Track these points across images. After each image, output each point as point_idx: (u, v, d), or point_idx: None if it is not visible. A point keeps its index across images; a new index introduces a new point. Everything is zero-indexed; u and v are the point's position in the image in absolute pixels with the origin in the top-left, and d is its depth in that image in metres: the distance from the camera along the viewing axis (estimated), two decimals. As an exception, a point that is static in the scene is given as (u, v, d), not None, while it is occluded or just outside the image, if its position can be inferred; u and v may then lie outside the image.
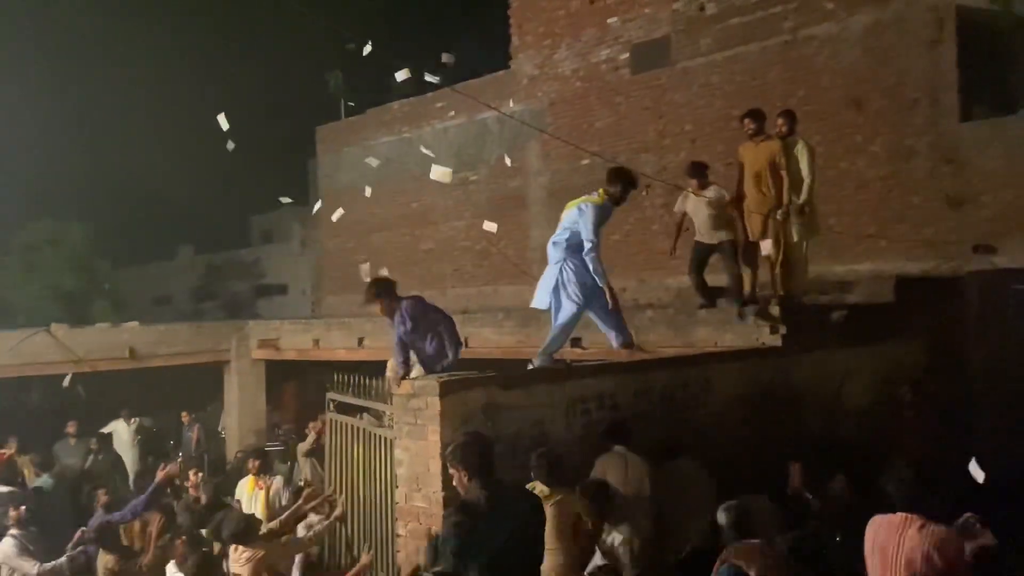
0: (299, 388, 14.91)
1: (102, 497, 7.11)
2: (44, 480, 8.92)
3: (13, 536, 6.53)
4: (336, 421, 7.27)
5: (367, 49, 6.92)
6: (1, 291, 21.10)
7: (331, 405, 7.33)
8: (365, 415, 6.92)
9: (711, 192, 8.00)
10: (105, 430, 12.28)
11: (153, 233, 30.65)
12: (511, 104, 13.73)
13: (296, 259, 24.77)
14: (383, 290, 6.38)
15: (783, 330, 7.25)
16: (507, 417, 5.43)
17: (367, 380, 6.78)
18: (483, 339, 9.85)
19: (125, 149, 30.81)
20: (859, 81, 10.30)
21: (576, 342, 7.56)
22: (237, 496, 7.74)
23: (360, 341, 12.18)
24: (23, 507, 6.90)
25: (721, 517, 4.50)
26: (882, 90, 10.12)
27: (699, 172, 8.10)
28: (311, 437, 9.35)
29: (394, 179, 16.70)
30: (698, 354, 7.32)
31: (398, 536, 5.52)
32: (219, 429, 14.60)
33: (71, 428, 11.65)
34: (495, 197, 14.68)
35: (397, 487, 5.54)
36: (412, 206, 16.42)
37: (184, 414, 13.21)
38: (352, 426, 6.95)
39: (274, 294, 26.22)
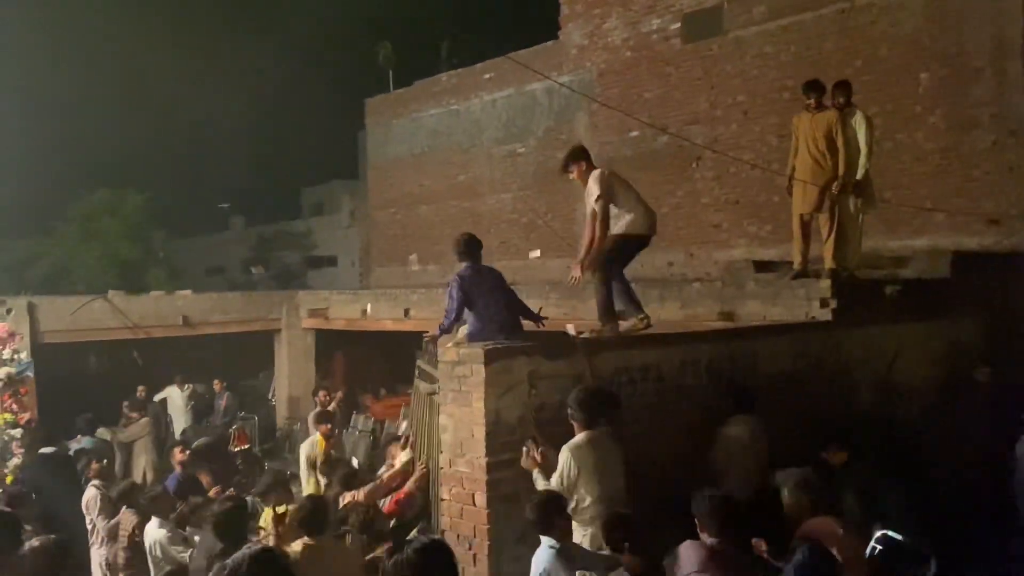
0: (347, 357, 15.14)
1: (95, 467, 7.30)
2: (87, 442, 9.16)
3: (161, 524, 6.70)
4: (416, 387, 7.38)
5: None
6: (61, 259, 21.73)
7: (417, 371, 7.43)
8: (422, 382, 7.00)
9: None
10: (160, 396, 12.63)
11: (207, 204, 31.22)
12: (559, 75, 13.62)
13: (345, 231, 25.04)
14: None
15: (834, 304, 7.12)
16: (551, 386, 5.44)
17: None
18: (529, 310, 9.84)
19: (181, 121, 31.35)
20: (919, 50, 9.99)
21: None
22: (306, 455, 7.90)
23: (406, 312, 12.31)
24: (104, 461, 7.25)
25: (788, 485, 4.46)
26: (943, 59, 9.80)
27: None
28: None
29: (442, 151, 16.76)
30: (746, 327, 7.22)
31: (442, 500, 5.57)
32: (269, 396, 14.92)
33: (140, 392, 12.01)
34: (542, 169, 14.62)
35: (442, 452, 5.60)
36: (459, 178, 16.46)
37: (216, 382, 13.42)
38: (425, 391, 7.04)
39: (324, 265, 26.57)
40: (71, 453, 8.59)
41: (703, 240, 11.88)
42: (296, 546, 4.82)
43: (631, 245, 6.27)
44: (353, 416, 12.43)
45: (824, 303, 7.17)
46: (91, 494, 6.82)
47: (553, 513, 4.31)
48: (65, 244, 21.97)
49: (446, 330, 6.29)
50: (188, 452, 7.75)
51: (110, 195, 22.54)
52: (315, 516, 4.94)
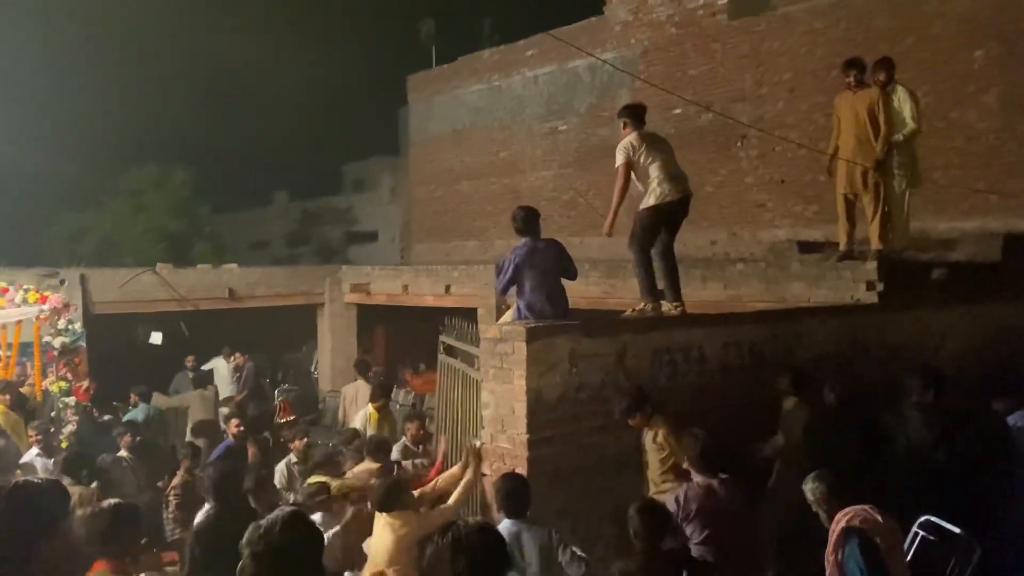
0: (388, 332, 15.32)
1: (126, 440, 7.51)
2: (139, 411, 9.42)
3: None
4: (443, 362, 7.48)
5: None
6: (110, 232, 22.23)
7: (441, 347, 7.53)
8: (460, 358, 7.09)
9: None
10: (207, 367, 12.92)
11: (251, 180, 31.63)
12: (603, 51, 13.51)
13: (386, 207, 25.19)
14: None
15: (880, 287, 7.03)
16: (592, 365, 5.47)
17: (468, 325, 6.91)
18: (569, 289, 9.85)
19: (226, 97, 31.72)
20: (975, 28, 9.72)
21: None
22: (359, 426, 8.05)
23: (447, 288, 12.41)
24: (136, 436, 7.48)
25: (815, 488, 4.46)
26: (999, 37, 9.53)
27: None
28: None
29: (483, 128, 16.76)
30: (790, 309, 7.17)
31: (483, 476, 5.65)
32: (312, 369, 15.18)
33: (190, 363, 12.30)
34: (584, 146, 14.55)
35: (483, 428, 5.67)
36: (500, 155, 16.45)
37: (238, 355, 13.34)
38: (454, 367, 7.13)
39: (365, 241, 26.77)
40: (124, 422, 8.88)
41: (747, 220, 11.75)
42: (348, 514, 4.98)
43: (659, 217, 6.25)
44: (394, 390, 12.58)
45: (870, 285, 7.09)
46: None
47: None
48: (114, 218, 22.46)
49: (498, 294, 6.29)
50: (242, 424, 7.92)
51: (157, 170, 22.95)
52: (391, 493, 5.05)
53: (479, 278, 11.80)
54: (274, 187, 32.06)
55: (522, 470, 5.29)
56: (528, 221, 6.12)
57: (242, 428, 7.80)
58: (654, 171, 6.17)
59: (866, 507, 4.22)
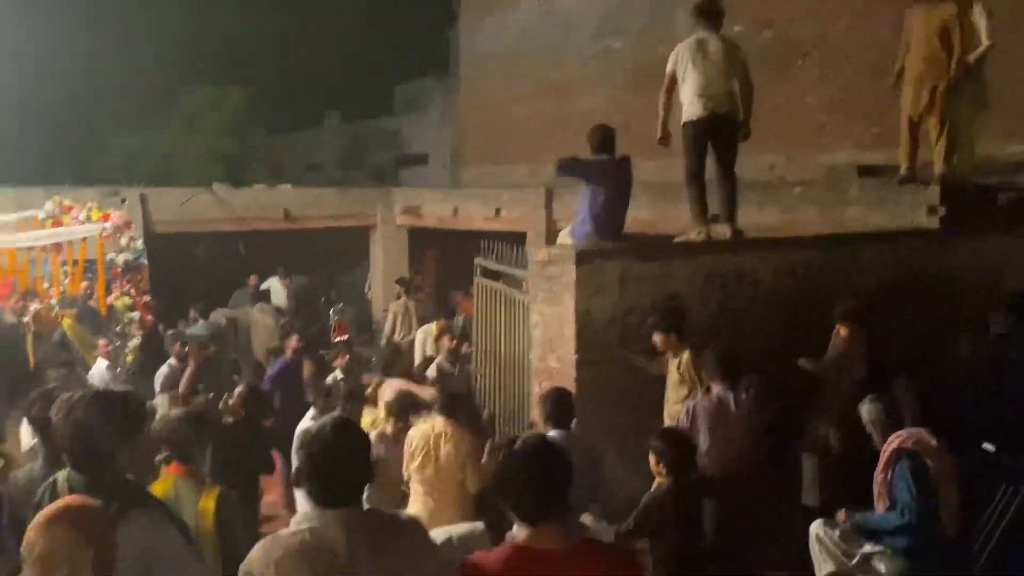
0: (439, 255, 15.44)
1: (176, 348, 7.80)
2: (199, 327, 9.73)
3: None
4: (481, 285, 7.56)
5: None
6: (167, 153, 22.58)
7: (478, 270, 7.60)
8: (503, 280, 7.15)
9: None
10: (263, 287, 13.23)
11: (304, 101, 31.55)
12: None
13: (437, 129, 25.04)
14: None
15: (942, 212, 6.82)
16: (642, 289, 5.48)
17: (510, 247, 6.94)
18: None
19: (278, 17, 31.45)
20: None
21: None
22: (419, 340, 8.34)
23: (497, 211, 12.41)
24: (184, 345, 7.79)
25: (872, 408, 4.45)
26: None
27: None
28: None
29: (534, 48, 16.41)
30: (847, 234, 7.01)
31: (532, 393, 5.77)
32: (365, 290, 15.44)
33: (253, 281, 12.63)
34: (638, 68, 14.18)
35: (532, 348, 5.76)
36: (551, 76, 16.13)
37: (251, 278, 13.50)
38: (495, 290, 7.20)
39: (415, 164, 26.75)
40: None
41: (806, 142, 11.40)
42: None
43: (691, 135, 6.14)
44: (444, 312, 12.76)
45: (932, 210, 6.88)
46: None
47: None
48: (170, 138, 22.77)
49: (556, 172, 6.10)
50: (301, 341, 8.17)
51: (213, 91, 23.08)
52: (452, 401, 5.22)
53: (529, 201, 11.77)
54: (326, 108, 32.01)
55: (571, 389, 5.38)
56: (607, 138, 6.00)
57: (300, 345, 8.03)
58: (686, 87, 6.07)
59: (921, 430, 4.21)
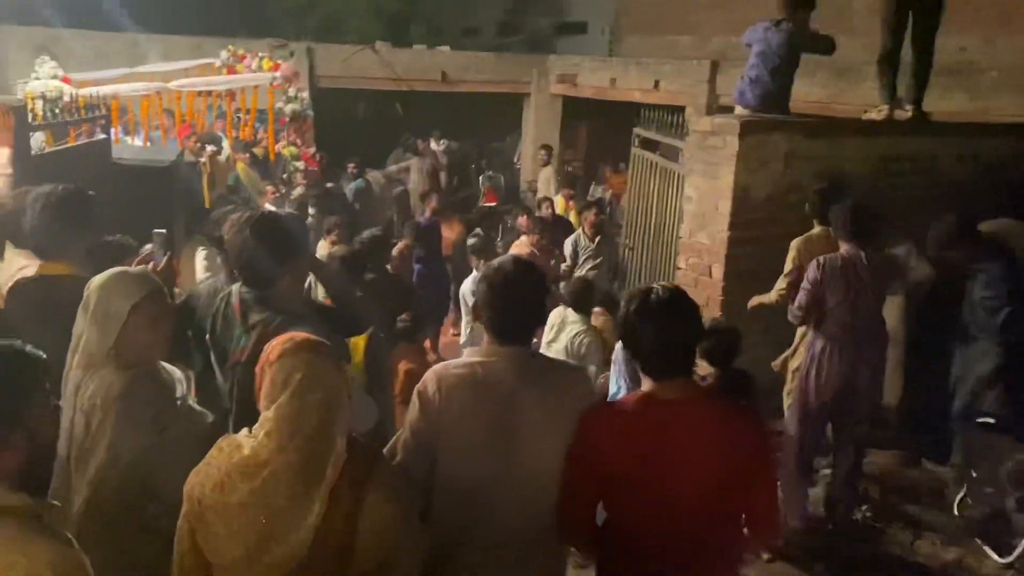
0: (591, 129, 15.15)
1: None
2: (358, 183, 10.05)
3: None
4: (638, 155, 7.41)
5: None
6: (332, 9, 22.90)
7: (636, 140, 7.44)
8: (659, 152, 6.97)
9: None
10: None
11: (465, -38, 30.94)
12: None
13: (599, -5, 24.08)
14: None
15: None
16: (807, 167, 5.19)
17: (669, 116, 6.70)
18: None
19: None
20: None
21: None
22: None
23: (656, 83, 11.94)
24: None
25: None
26: None
27: None
28: None
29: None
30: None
31: (677, 269, 5.69)
32: (515, 159, 15.45)
33: (422, 145, 12.79)
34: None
35: (682, 222, 5.63)
36: (728, -59, 15.02)
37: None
38: (650, 161, 7.04)
39: (574, 32, 25.98)
40: (345, 191, 9.64)
41: (1005, 23, 10.21)
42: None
43: (896, 1, 5.56)
44: (592, 187, 12.64)
45: None
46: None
47: None
48: (335, -6, 23.04)
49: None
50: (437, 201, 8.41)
51: (378, -54, 22.99)
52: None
53: (691, 74, 11.23)
54: (488, -29, 31.31)
55: (718, 267, 5.27)
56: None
57: (436, 208, 8.24)
58: None
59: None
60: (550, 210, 9.01)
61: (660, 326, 2.24)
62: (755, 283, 5.05)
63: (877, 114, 5.69)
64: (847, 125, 5.65)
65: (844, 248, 4.29)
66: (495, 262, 2.45)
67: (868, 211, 4.25)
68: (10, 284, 2.94)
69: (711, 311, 5.17)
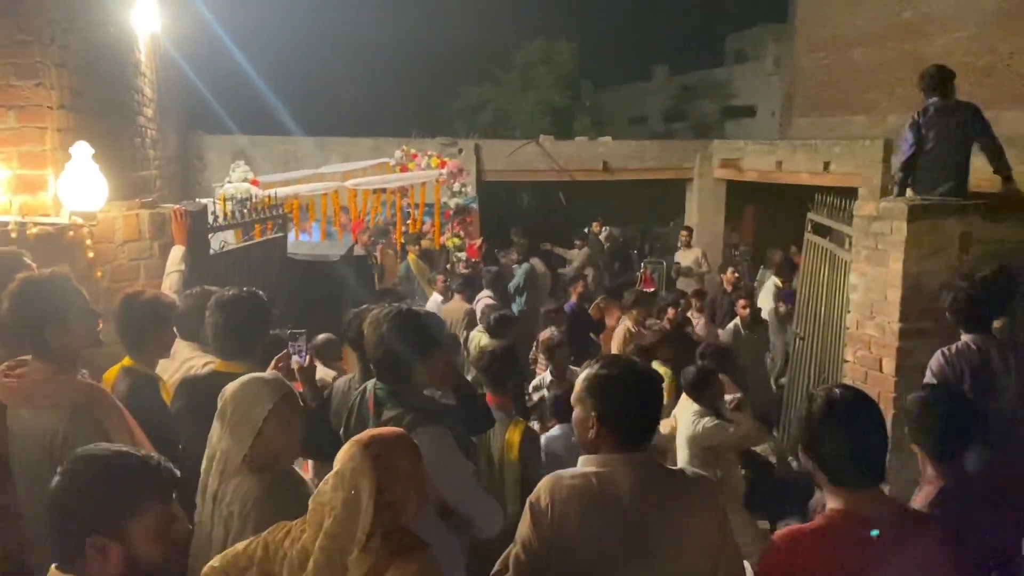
0: (758, 211, 14.77)
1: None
2: (525, 267, 10.24)
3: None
4: (809, 241, 7.14)
5: None
6: (503, 105, 24.02)
7: (809, 225, 7.19)
8: (830, 238, 6.67)
9: None
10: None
11: (631, 54, 31.77)
12: None
13: (767, 79, 23.84)
14: None
15: None
16: (989, 252, 4.76)
17: (841, 201, 6.40)
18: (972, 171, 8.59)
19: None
20: None
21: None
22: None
23: (826, 166, 11.50)
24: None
25: None
26: None
27: None
28: None
29: (884, -16, 14.84)
30: None
31: (845, 362, 5.33)
32: (678, 244, 15.26)
33: (596, 227, 13.08)
34: (1008, 1, 12.22)
35: (849, 312, 5.31)
36: (903, 15, 14.49)
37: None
38: (821, 247, 6.75)
39: (742, 116, 25.77)
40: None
41: None
42: None
43: None
44: (760, 271, 12.23)
45: None
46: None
47: None
48: (507, 92, 24.17)
49: (898, 171, 5.57)
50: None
51: (545, 45, 24.03)
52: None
53: (863, 155, 10.75)
54: (654, 61, 31.89)
55: (890, 361, 4.90)
56: (938, 79, 5.36)
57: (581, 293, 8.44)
58: None
59: None
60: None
61: (850, 431, 2.07)
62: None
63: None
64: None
65: (967, 338, 3.94)
66: (613, 366, 2.30)
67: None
68: (178, 377, 3.16)
69: (884, 410, 4.78)
